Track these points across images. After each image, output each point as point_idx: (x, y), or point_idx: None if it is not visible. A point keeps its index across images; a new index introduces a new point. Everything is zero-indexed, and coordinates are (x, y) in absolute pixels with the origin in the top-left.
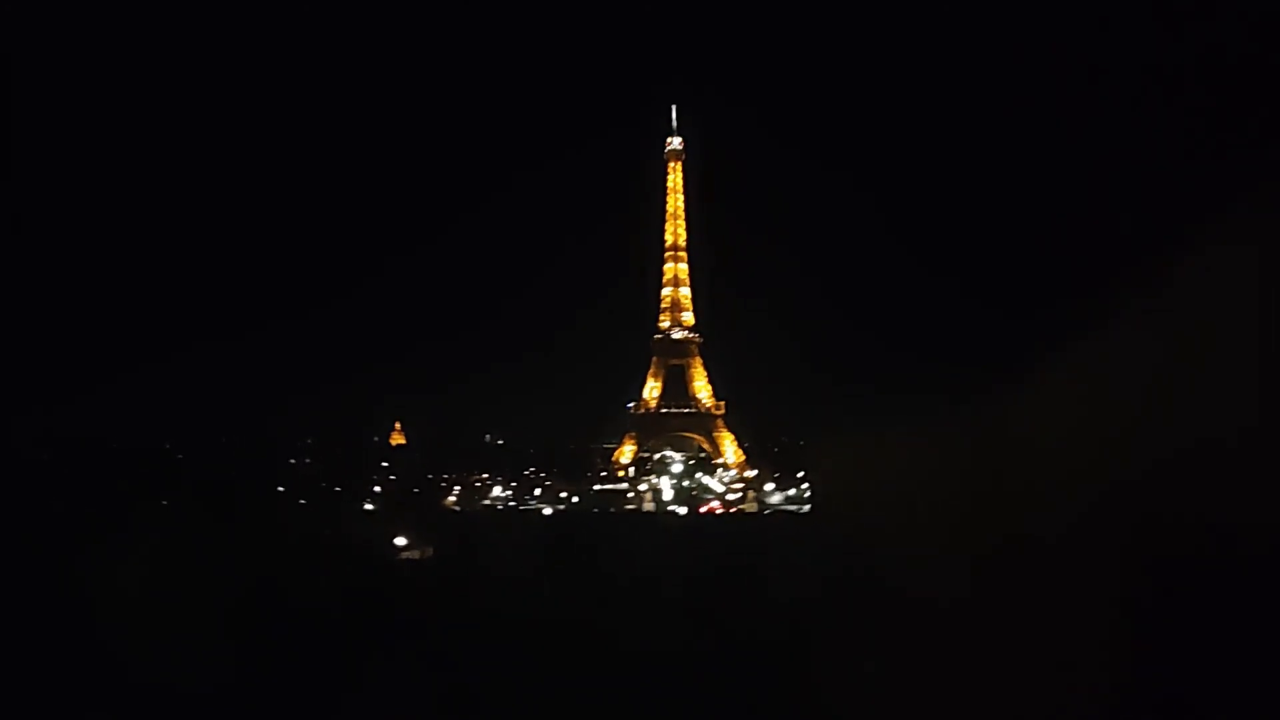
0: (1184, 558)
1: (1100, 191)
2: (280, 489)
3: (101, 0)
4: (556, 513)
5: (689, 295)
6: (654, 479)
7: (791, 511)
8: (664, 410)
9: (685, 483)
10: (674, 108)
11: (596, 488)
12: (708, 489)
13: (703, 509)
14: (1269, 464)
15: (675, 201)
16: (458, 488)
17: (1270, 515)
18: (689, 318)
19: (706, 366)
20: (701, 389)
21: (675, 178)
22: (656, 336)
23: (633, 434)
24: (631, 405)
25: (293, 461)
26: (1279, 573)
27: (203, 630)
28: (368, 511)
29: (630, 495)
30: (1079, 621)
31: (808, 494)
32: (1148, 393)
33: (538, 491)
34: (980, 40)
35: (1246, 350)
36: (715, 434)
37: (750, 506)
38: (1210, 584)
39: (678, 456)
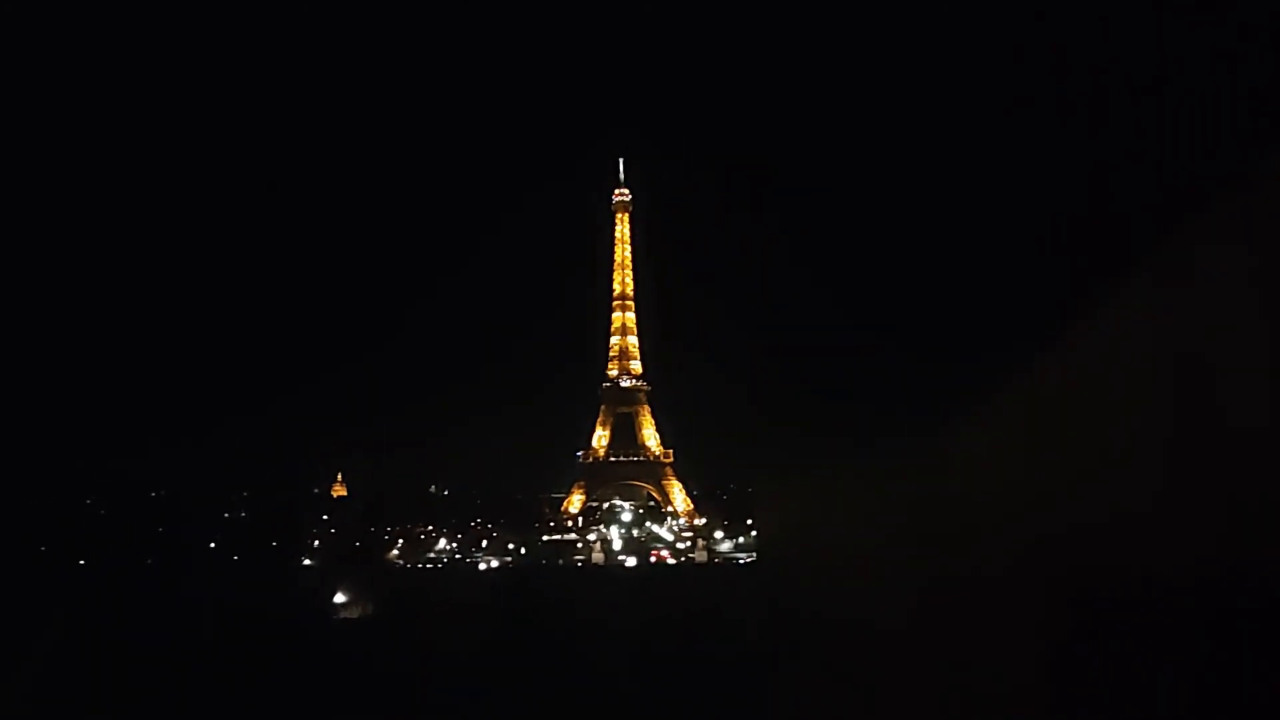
0: (1114, 605)
1: (1031, 240)
2: (213, 545)
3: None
4: (504, 566)
5: (637, 344)
6: (603, 529)
7: (737, 560)
8: (613, 459)
9: (635, 532)
10: (621, 160)
11: (545, 538)
12: (657, 538)
13: (652, 558)
14: (1195, 516)
15: (623, 251)
16: (401, 540)
17: (1194, 567)
18: (637, 366)
19: (655, 415)
20: (650, 437)
21: (623, 228)
22: (605, 385)
23: (581, 483)
24: (580, 454)
25: (226, 515)
26: (1199, 623)
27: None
28: (306, 567)
29: (579, 545)
30: (1014, 664)
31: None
32: (1085, 438)
33: (484, 543)
34: (916, 99)
35: (1177, 399)
36: (664, 482)
37: (700, 555)
38: (1138, 634)
39: (627, 506)
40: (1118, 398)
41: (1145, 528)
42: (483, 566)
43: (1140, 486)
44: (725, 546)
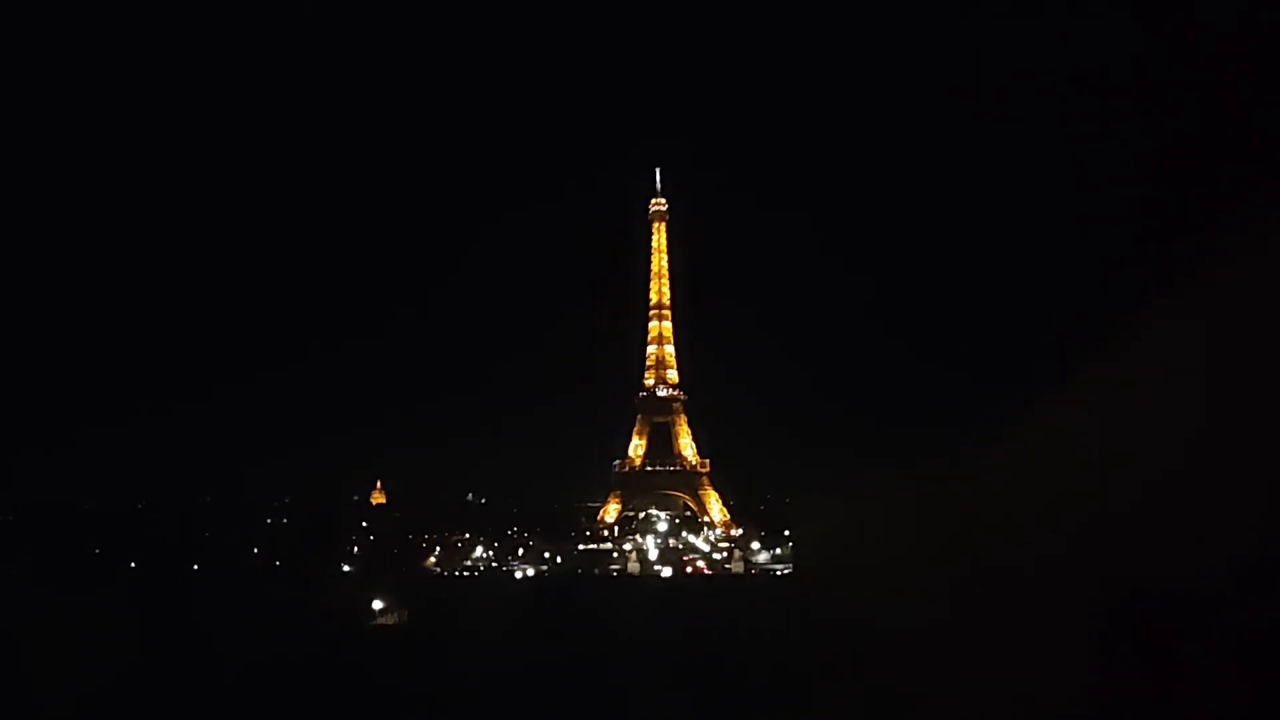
0: (1156, 618)
1: (1057, 268)
2: (255, 550)
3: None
4: (540, 575)
5: (673, 353)
6: (639, 538)
7: (774, 572)
8: (649, 468)
9: (671, 542)
10: (658, 170)
11: (581, 547)
12: (693, 548)
13: (688, 569)
14: (1237, 525)
15: (659, 261)
16: (439, 548)
17: (1235, 575)
18: (673, 375)
19: (691, 424)
20: (686, 447)
21: (659, 238)
22: (641, 394)
23: (617, 493)
24: (616, 463)
25: (269, 521)
26: (1244, 630)
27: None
28: (345, 573)
29: (615, 555)
30: (1043, 676)
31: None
32: (1104, 458)
33: (520, 552)
34: (946, 113)
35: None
36: (700, 492)
37: (737, 566)
38: (1182, 645)
39: (663, 515)
40: (1153, 414)
41: (1185, 539)
42: (519, 575)
43: (1179, 498)
44: (762, 558)
